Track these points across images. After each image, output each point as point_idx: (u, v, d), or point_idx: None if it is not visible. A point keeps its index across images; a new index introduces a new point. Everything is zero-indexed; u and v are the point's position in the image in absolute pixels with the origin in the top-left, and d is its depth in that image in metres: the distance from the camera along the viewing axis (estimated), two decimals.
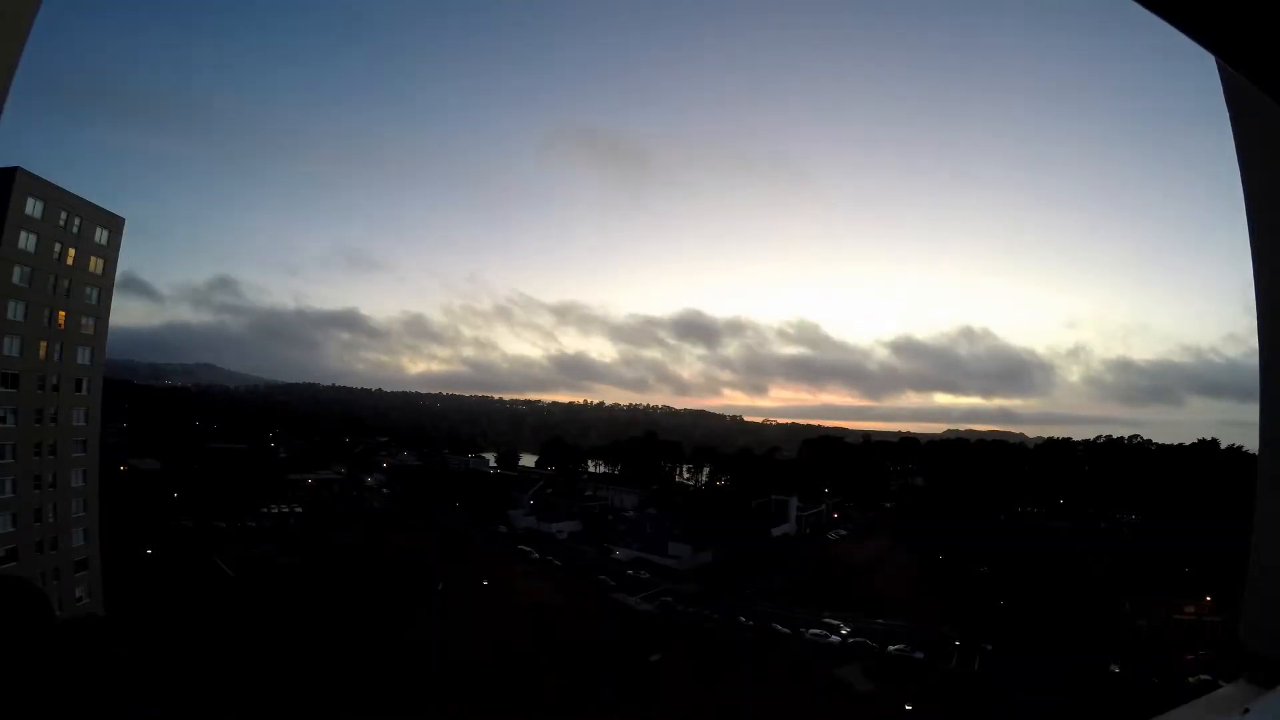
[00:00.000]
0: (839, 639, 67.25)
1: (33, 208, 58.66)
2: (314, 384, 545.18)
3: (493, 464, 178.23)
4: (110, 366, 78.09)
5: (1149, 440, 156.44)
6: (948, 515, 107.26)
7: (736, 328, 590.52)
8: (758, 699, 54.11)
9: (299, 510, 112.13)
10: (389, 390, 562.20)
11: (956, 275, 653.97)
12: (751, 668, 60.29)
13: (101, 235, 66.30)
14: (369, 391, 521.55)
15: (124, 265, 70.05)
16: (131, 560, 73.21)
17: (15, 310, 57.58)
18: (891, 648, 65.74)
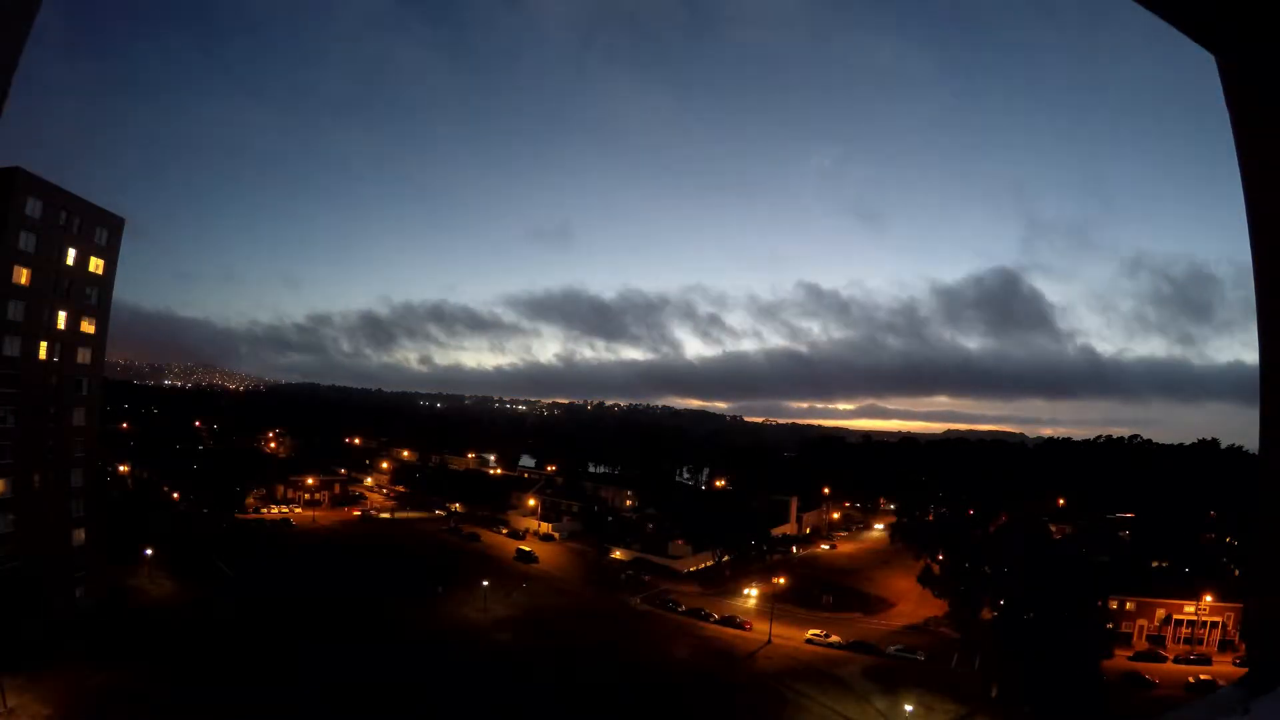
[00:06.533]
0: (839, 639, 67.23)
1: (33, 208, 58.64)
2: (314, 384, 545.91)
3: (493, 464, 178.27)
4: (110, 367, 78.10)
5: (1149, 440, 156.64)
6: (948, 515, 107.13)
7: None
8: (757, 699, 54.13)
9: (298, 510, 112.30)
10: (389, 390, 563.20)
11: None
12: (752, 668, 60.35)
13: (101, 235, 66.25)
14: (369, 391, 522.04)
15: (125, 265, 69.88)
16: (131, 560, 73.21)
17: (15, 310, 57.57)
18: (892, 648, 65.75)
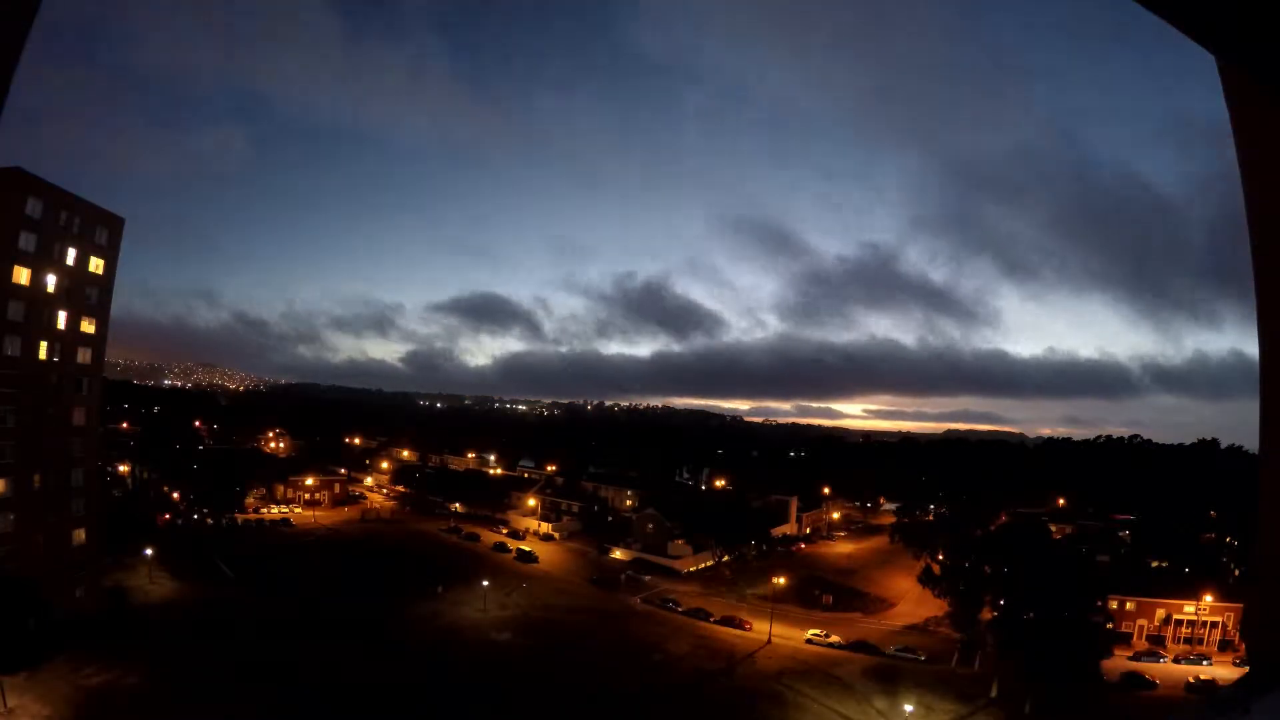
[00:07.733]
0: (839, 639, 67.24)
1: (33, 208, 58.63)
2: (314, 384, 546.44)
3: (493, 464, 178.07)
4: (110, 367, 78.10)
5: (1149, 440, 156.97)
6: (948, 515, 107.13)
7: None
8: (757, 698, 54.11)
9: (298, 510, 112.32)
10: (389, 390, 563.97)
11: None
12: (752, 668, 60.33)
13: (101, 235, 66.24)
14: (369, 391, 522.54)
15: (125, 265, 69.80)
16: (131, 560, 73.20)
17: (15, 310, 57.55)
18: (892, 648, 65.74)
